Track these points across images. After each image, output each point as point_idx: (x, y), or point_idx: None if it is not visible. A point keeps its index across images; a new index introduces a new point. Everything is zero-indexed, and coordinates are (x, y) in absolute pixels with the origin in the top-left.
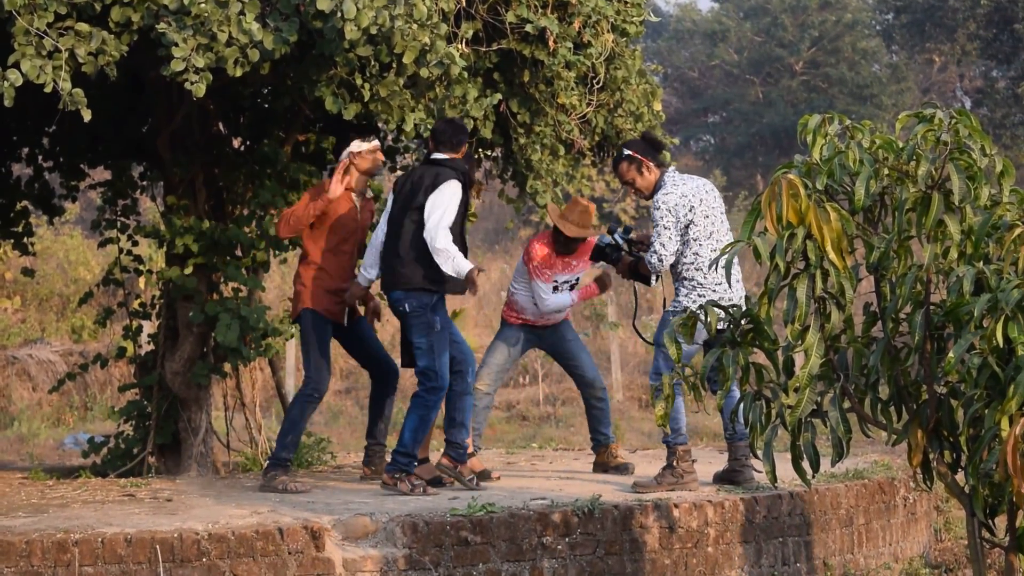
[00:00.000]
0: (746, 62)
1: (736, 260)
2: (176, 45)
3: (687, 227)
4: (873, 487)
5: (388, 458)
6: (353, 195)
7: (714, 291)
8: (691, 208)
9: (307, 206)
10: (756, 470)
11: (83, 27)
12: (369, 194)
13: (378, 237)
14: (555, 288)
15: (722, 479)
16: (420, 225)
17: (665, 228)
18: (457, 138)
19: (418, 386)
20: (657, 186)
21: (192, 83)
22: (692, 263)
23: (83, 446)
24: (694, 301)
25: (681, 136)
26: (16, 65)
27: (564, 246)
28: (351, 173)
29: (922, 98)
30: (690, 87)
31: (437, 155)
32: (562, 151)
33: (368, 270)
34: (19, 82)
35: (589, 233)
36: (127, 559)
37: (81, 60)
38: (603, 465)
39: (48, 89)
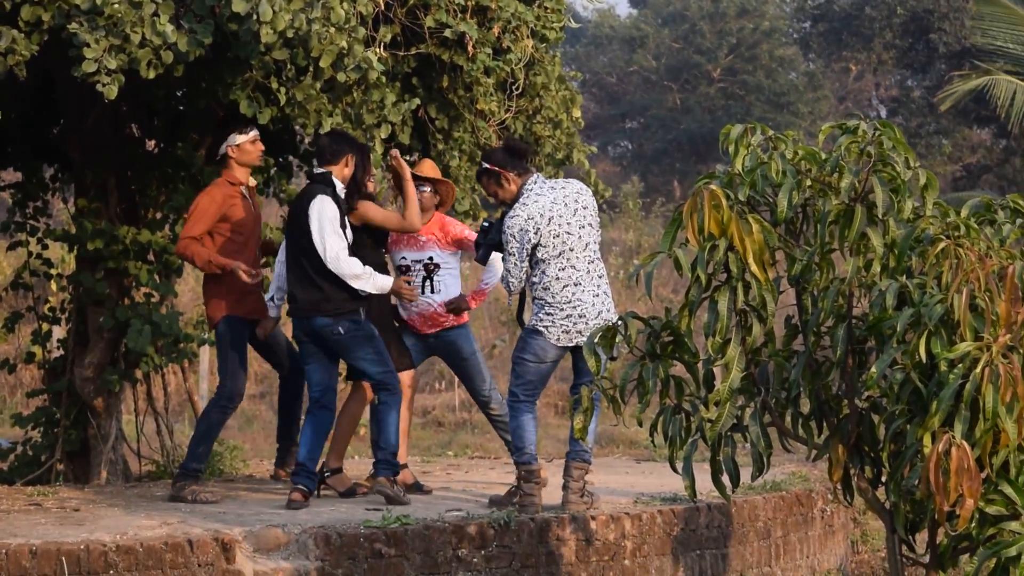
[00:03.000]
0: (664, 68)
1: (594, 275)
2: (88, 46)
3: (534, 249)
4: (791, 499)
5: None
6: (241, 189)
7: (562, 309)
8: (536, 231)
9: (200, 256)
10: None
11: None
12: (253, 182)
13: (280, 265)
14: (408, 269)
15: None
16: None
17: (511, 254)
18: (334, 148)
19: (379, 394)
20: (517, 196)
21: (104, 84)
22: (539, 282)
23: None
24: (540, 320)
25: (599, 142)
26: None
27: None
28: (231, 167)
29: (838, 106)
30: (608, 93)
31: (316, 169)
32: (480, 157)
33: (278, 301)
34: None
35: (424, 173)
36: (32, 571)
37: None
38: None
39: None
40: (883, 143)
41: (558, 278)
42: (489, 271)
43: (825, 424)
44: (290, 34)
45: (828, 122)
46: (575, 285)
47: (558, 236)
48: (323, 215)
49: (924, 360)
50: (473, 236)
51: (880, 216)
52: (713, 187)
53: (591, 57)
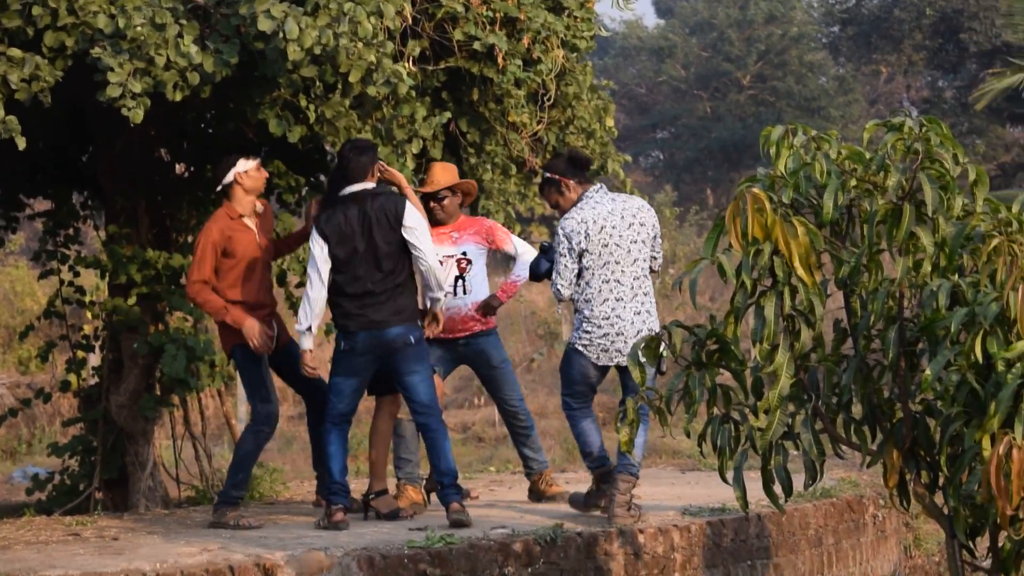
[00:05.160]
0: (693, 77)
1: (639, 292)
2: (112, 70)
3: (580, 255)
4: (841, 506)
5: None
6: (245, 220)
7: (600, 326)
8: (586, 235)
9: (211, 304)
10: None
11: (15, 52)
12: (259, 208)
13: (317, 284)
14: (440, 263)
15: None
16: (402, 259)
17: (561, 255)
18: (366, 161)
19: (422, 417)
20: (576, 204)
21: (129, 109)
22: (582, 294)
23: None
24: (579, 339)
25: (630, 152)
26: None
27: (430, 213)
28: (233, 198)
29: (870, 109)
30: (638, 103)
31: (366, 185)
32: (513, 170)
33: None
34: None
35: (442, 185)
36: None
37: (14, 86)
38: (538, 494)
39: None
40: (930, 139)
41: (600, 291)
42: (520, 264)
43: (879, 429)
44: (317, 51)
45: (860, 125)
46: (616, 300)
47: (607, 246)
48: (423, 222)
49: (980, 360)
50: (519, 252)
51: (929, 214)
52: (756, 190)
53: (620, 68)
